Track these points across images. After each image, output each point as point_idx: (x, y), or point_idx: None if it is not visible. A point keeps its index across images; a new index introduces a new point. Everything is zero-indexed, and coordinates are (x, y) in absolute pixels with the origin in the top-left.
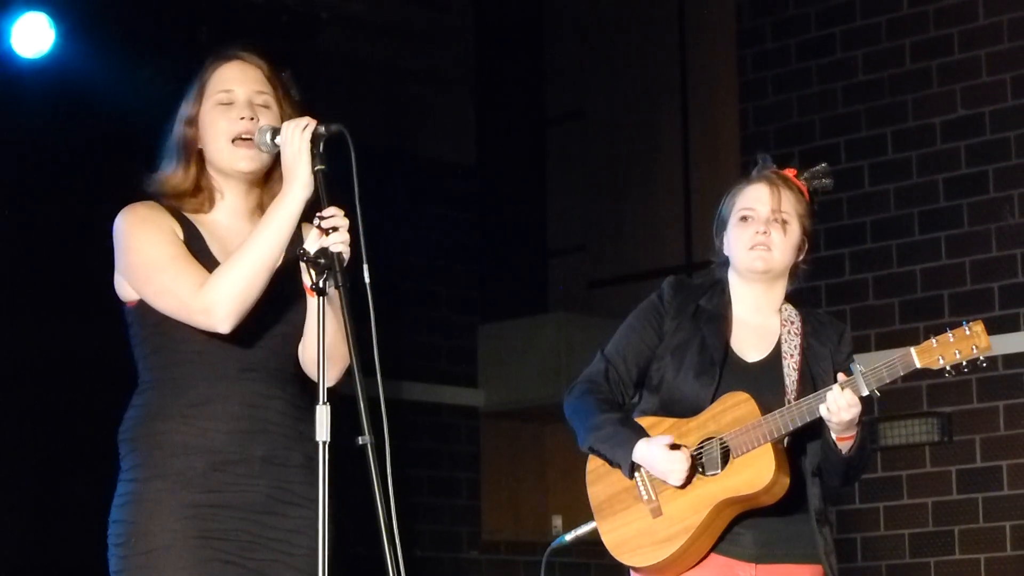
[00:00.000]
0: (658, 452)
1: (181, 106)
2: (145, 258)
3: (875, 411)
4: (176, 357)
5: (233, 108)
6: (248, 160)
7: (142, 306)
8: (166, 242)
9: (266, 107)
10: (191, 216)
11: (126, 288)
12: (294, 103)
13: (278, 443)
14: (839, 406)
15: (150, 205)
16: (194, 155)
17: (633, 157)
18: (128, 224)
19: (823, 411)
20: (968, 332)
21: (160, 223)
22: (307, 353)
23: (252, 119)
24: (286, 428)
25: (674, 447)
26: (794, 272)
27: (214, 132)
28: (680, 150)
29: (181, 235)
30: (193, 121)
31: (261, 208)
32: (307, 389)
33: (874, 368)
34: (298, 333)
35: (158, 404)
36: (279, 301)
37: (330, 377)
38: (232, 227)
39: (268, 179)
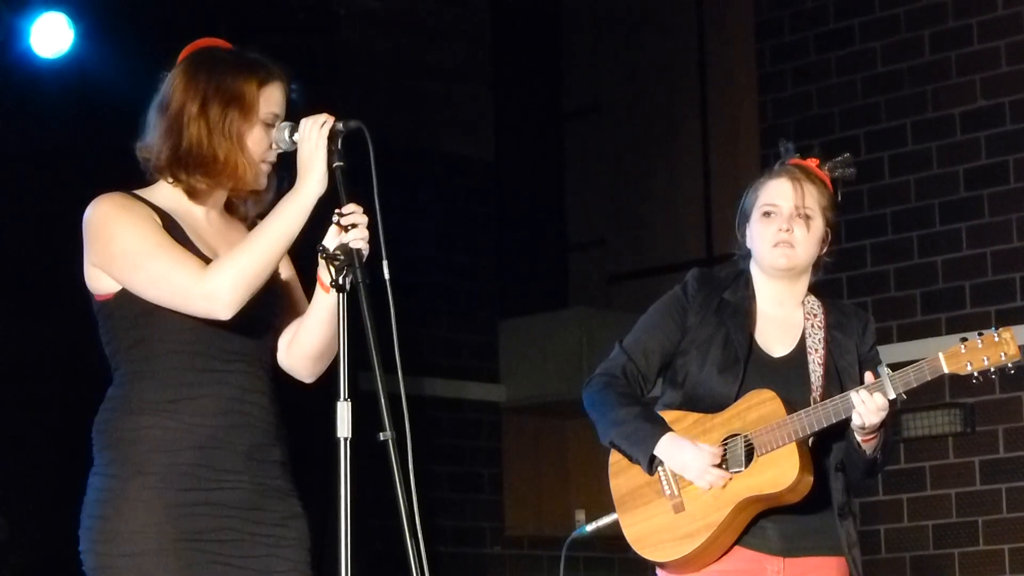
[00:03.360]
0: (687, 450)
1: (216, 103)
2: (131, 246)
3: (897, 403)
4: (159, 347)
5: (272, 133)
6: (265, 181)
7: (123, 297)
8: (152, 229)
9: None
10: (164, 207)
11: (101, 280)
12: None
13: (260, 438)
14: (868, 409)
15: (124, 195)
16: (253, 158)
17: (652, 151)
18: (105, 213)
19: (852, 415)
20: (997, 339)
21: (139, 211)
22: (296, 349)
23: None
24: (267, 423)
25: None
26: (818, 264)
27: (255, 153)
28: (699, 143)
29: (159, 222)
30: (243, 136)
31: (229, 208)
32: (281, 382)
33: (902, 372)
34: (280, 327)
35: (139, 397)
36: (263, 293)
37: (313, 373)
38: (207, 219)
39: None
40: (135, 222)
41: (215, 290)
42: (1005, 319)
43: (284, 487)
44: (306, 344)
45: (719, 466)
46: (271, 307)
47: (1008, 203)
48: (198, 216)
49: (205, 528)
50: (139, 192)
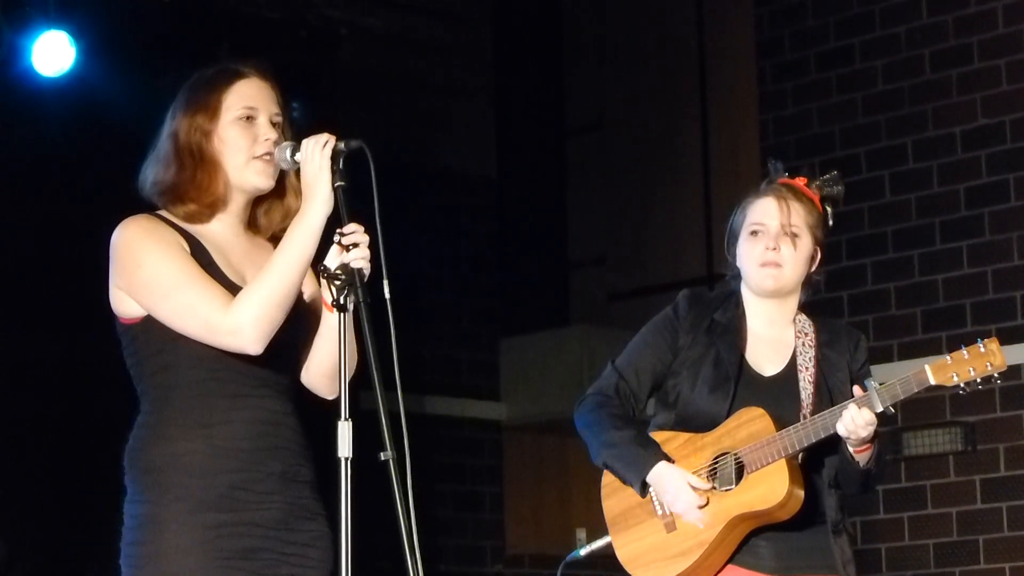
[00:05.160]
0: (677, 486)
1: (184, 115)
2: (159, 275)
3: (898, 421)
4: (187, 375)
5: (255, 127)
6: (266, 177)
7: (149, 323)
8: (180, 258)
9: (280, 127)
10: (188, 227)
11: (127, 304)
12: (292, 124)
13: (293, 460)
14: (856, 424)
15: (150, 219)
16: (219, 167)
17: (653, 168)
18: (133, 238)
19: (841, 429)
20: (983, 350)
21: (167, 237)
22: (315, 368)
23: (277, 141)
24: (298, 444)
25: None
26: (807, 283)
27: (235, 149)
28: (700, 161)
29: (187, 248)
30: (210, 135)
31: (253, 223)
32: (304, 403)
33: (888, 385)
34: (304, 349)
35: (170, 423)
36: (289, 316)
37: (332, 390)
38: (231, 239)
39: (262, 196)
40: (162, 249)
41: (241, 326)
42: (1006, 337)
43: (313, 507)
44: (320, 363)
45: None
46: (295, 331)
47: (1009, 221)
48: (222, 236)
49: (244, 548)
50: (164, 213)
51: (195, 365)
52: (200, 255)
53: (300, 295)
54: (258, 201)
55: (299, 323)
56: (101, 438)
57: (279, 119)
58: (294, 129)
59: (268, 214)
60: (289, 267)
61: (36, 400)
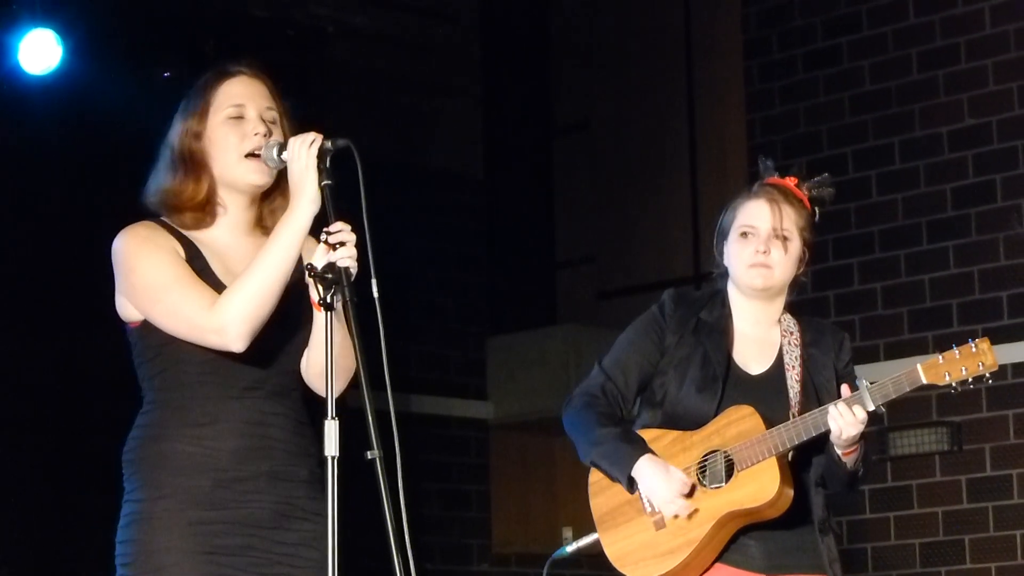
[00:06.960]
0: (659, 477)
1: (180, 121)
2: (150, 279)
3: (885, 421)
4: (181, 377)
5: (244, 123)
6: (260, 174)
7: (145, 327)
8: (170, 262)
9: (274, 123)
10: (189, 233)
11: (128, 308)
12: (292, 119)
13: (283, 459)
14: (847, 422)
15: (149, 225)
16: (205, 170)
17: (641, 168)
18: (128, 245)
19: (832, 426)
20: (975, 349)
21: (161, 243)
22: (312, 368)
23: (266, 134)
24: (290, 444)
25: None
26: (794, 283)
27: (225, 147)
28: (687, 161)
29: (182, 254)
30: (200, 136)
31: (260, 223)
32: (308, 404)
33: (880, 383)
34: (301, 349)
35: (163, 424)
36: (282, 318)
37: (336, 388)
38: (232, 243)
39: (267, 194)
40: (154, 254)
41: (224, 324)
42: (992, 338)
43: (309, 506)
44: (316, 363)
45: (693, 488)
46: (289, 332)
47: (995, 221)
48: (223, 240)
49: (229, 545)
50: (165, 219)
51: (187, 367)
52: (196, 260)
53: (302, 296)
54: (264, 201)
55: (296, 324)
56: (100, 439)
57: (272, 113)
58: (295, 121)
59: (273, 214)
60: (274, 266)
61: (35, 400)
